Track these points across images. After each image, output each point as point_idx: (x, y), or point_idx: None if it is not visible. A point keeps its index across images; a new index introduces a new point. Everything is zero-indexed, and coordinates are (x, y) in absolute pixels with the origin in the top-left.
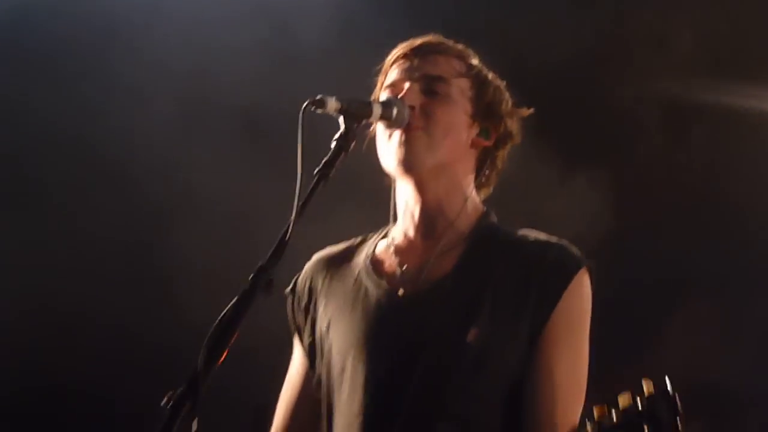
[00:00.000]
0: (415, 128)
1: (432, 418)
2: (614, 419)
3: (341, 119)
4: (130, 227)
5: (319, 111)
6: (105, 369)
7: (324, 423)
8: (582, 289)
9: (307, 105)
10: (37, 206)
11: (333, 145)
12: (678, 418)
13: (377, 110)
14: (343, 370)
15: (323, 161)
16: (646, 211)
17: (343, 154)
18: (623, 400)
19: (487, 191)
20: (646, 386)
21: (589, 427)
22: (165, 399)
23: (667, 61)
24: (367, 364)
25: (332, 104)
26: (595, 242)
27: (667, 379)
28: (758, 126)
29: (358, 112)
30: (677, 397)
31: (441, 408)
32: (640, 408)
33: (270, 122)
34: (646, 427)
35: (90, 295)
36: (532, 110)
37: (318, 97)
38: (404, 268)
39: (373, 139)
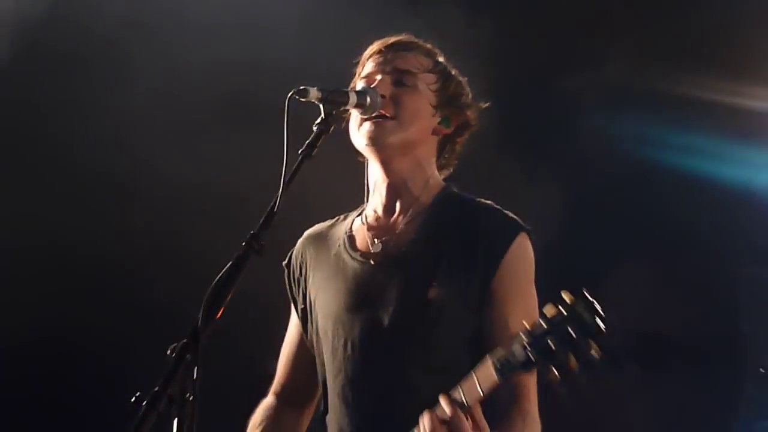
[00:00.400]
0: (384, 114)
1: (402, 366)
2: (544, 327)
3: (322, 106)
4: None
5: (302, 99)
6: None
7: (319, 375)
8: (522, 249)
9: (292, 94)
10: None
11: (314, 128)
12: (598, 318)
13: (353, 98)
14: (327, 332)
15: (306, 143)
16: (591, 186)
17: (323, 136)
18: (549, 310)
19: (447, 172)
20: (567, 297)
21: (523, 337)
22: (169, 350)
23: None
24: (346, 325)
25: (314, 93)
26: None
27: (584, 289)
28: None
29: (337, 100)
30: (596, 302)
31: (409, 358)
32: (564, 313)
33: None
34: (570, 329)
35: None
36: (489, 104)
37: (301, 87)
38: (375, 241)
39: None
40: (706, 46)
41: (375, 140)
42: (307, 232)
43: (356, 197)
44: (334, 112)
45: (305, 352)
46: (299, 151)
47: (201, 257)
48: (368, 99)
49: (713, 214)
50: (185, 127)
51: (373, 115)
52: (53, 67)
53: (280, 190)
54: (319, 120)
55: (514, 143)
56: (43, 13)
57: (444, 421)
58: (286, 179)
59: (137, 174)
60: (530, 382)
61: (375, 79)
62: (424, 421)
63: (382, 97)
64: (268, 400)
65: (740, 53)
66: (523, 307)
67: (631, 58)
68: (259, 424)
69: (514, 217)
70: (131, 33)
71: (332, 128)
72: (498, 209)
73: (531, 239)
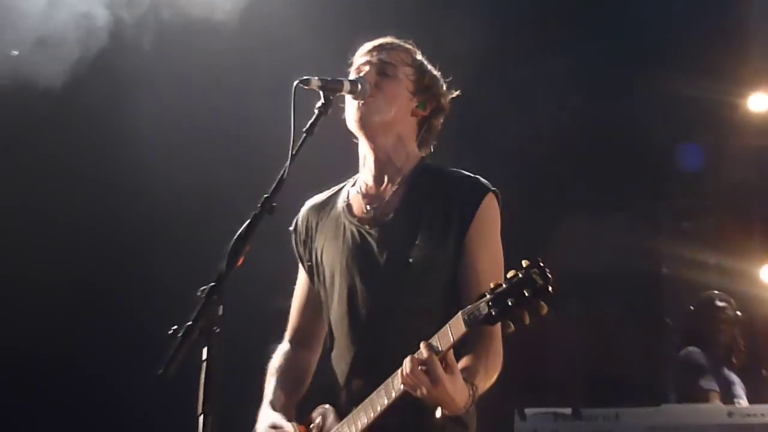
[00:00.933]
0: (370, 97)
1: (392, 312)
2: (504, 288)
3: (321, 93)
4: None
5: (306, 87)
6: None
7: (325, 322)
8: (490, 208)
9: (297, 83)
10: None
11: (315, 111)
12: (549, 282)
13: (347, 86)
14: (332, 284)
15: (309, 123)
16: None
17: (322, 117)
18: (509, 274)
19: (426, 149)
20: (524, 263)
21: (487, 296)
22: (199, 291)
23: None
24: (347, 279)
25: (314, 82)
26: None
27: (539, 258)
28: None
29: (333, 87)
30: (547, 269)
31: (398, 305)
32: (521, 277)
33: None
34: (525, 291)
35: None
36: (459, 92)
37: (305, 77)
38: (368, 208)
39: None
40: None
41: (361, 119)
42: (309, 202)
43: (340, 170)
44: (331, 97)
45: (312, 302)
46: (303, 130)
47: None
48: (359, 86)
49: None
50: None
51: (361, 99)
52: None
53: (288, 161)
54: (319, 104)
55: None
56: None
57: (422, 362)
58: (293, 152)
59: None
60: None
61: (363, 70)
62: (406, 363)
63: (370, 84)
64: (284, 345)
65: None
66: (491, 256)
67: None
68: (279, 366)
69: (483, 180)
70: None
71: (329, 111)
72: (468, 175)
73: (497, 198)
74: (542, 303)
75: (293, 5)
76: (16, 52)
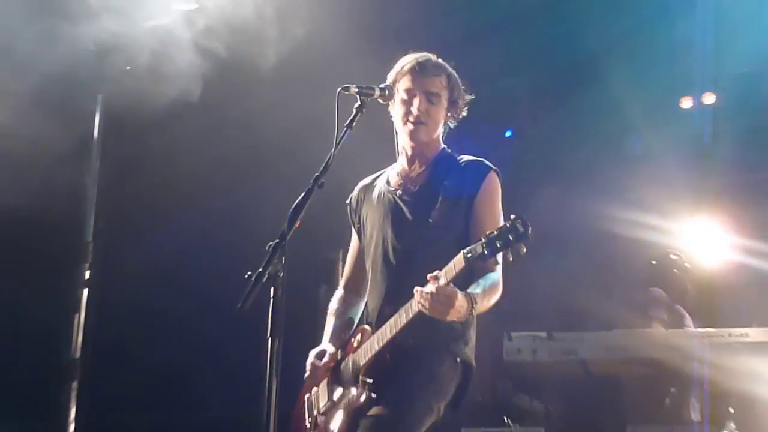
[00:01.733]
0: (423, 123)
1: (415, 256)
2: (495, 234)
3: (358, 96)
4: None
5: (346, 93)
6: None
7: (368, 271)
8: (492, 181)
9: (340, 90)
10: None
11: (353, 110)
12: (527, 230)
13: (378, 92)
14: (371, 237)
15: (348, 120)
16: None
17: (359, 116)
18: (500, 224)
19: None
20: (512, 217)
21: (483, 240)
22: (267, 246)
23: None
24: (383, 231)
25: (353, 89)
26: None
27: (522, 213)
28: None
29: (367, 92)
30: (528, 221)
31: (419, 251)
32: (508, 226)
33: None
34: (510, 235)
35: None
36: (473, 96)
37: (345, 85)
38: (402, 182)
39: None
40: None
41: (414, 137)
42: (360, 183)
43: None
44: (366, 100)
45: (360, 257)
46: (344, 125)
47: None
48: (387, 92)
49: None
50: None
51: (414, 120)
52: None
53: (333, 148)
54: (356, 105)
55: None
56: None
57: (429, 293)
58: (338, 142)
59: None
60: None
61: (415, 94)
62: (417, 293)
63: (419, 110)
64: (339, 291)
65: None
66: (492, 217)
67: None
68: (336, 308)
69: (487, 162)
70: None
71: (364, 110)
72: (476, 158)
73: (498, 175)
74: (522, 245)
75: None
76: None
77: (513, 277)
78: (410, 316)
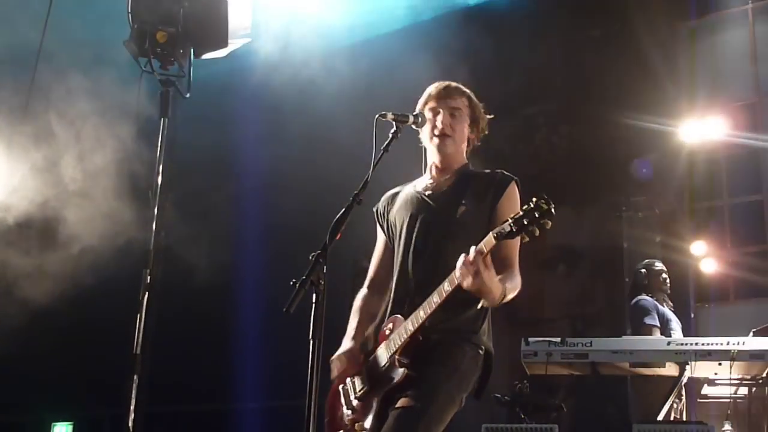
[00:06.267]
0: (447, 135)
1: (441, 250)
2: (521, 213)
3: (394, 123)
4: None
5: (383, 119)
6: None
7: (396, 266)
8: (514, 189)
9: (378, 116)
10: None
11: (389, 135)
12: (551, 206)
13: (411, 119)
14: (400, 232)
15: (385, 143)
16: None
17: (395, 139)
18: (524, 206)
19: (469, 153)
20: (534, 198)
21: (509, 220)
22: (310, 256)
23: None
24: (411, 226)
25: (390, 115)
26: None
27: (545, 194)
28: None
29: (402, 119)
30: (549, 199)
31: (444, 245)
32: (532, 206)
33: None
34: (535, 212)
35: None
36: (493, 116)
37: (382, 112)
38: (430, 185)
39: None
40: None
41: (441, 149)
42: (387, 193)
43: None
44: (401, 126)
45: (386, 258)
46: (382, 148)
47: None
48: (419, 119)
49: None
50: None
51: (439, 133)
52: None
53: (371, 169)
54: (393, 129)
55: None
56: None
57: (473, 258)
58: (375, 163)
59: None
60: (513, 254)
61: (439, 111)
62: (461, 258)
63: (443, 123)
64: (364, 290)
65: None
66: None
67: None
68: (359, 306)
69: (508, 173)
70: None
71: (399, 134)
72: (498, 171)
73: (518, 185)
74: (547, 220)
75: None
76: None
77: (530, 290)
78: (444, 295)
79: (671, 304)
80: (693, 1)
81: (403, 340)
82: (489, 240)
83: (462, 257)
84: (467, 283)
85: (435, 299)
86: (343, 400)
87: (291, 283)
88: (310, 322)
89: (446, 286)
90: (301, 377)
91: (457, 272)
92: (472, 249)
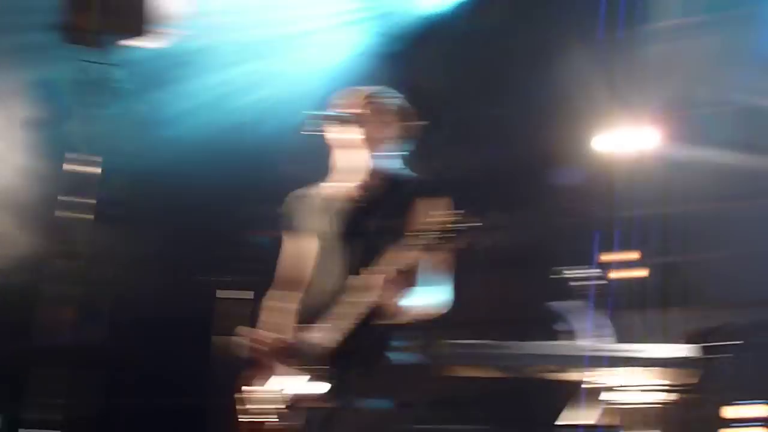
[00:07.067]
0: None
1: (360, 258)
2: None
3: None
4: None
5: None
6: None
7: (313, 269)
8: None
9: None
10: None
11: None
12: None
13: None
14: (317, 237)
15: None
16: None
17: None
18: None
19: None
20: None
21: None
22: None
23: None
24: (328, 230)
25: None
26: None
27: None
28: None
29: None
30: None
31: (359, 251)
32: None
33: None
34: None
35: None
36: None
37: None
38: (346, 188)
39: None
40: None
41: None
42: (292, 194)
43: None
44: None
45: (300, 258)
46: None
47: None
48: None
49: None
50: None
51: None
52: None
53: None
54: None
55: None
56: None
57: (386, 273)
58: None
59: None
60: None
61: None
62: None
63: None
64: (275, 290)
65: None
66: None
67: None
68: (275, 304)
69: (427, 179)
70: None
71: None
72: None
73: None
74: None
75: None
76: None
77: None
78: (362, 305)
79: (592, 309)
80: (620, 15)
81: (322, 347)
82: (399, 250)
83: (370, 273)
84: (384, 297)
85: (352, 309)
86: (257, 405)
87: None
88: None
89: (362, 301)
90: None
91: (372, 288)
92: (390, 260)
